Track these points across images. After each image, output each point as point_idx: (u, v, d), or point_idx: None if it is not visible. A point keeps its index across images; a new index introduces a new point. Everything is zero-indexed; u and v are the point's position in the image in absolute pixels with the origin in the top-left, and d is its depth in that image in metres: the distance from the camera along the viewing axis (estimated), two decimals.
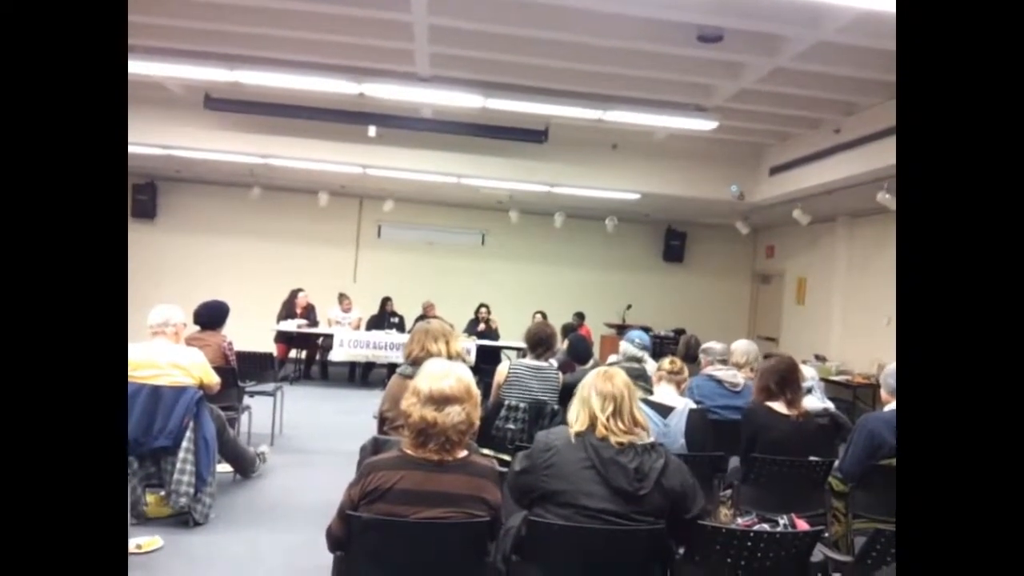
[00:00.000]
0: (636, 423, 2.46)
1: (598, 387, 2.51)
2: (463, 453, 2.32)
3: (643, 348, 4.58)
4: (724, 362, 4.59)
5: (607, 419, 2.43)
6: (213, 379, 4.27)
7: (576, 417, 2.50)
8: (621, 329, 10.04)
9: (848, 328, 9.71)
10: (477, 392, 2.38)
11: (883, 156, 6.31)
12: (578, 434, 2.44)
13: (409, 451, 2.29)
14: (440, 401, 2.25)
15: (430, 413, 2.23)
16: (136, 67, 6.04)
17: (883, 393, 3.62)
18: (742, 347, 4.75)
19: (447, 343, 3.67)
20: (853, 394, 8.49)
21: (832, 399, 4.90)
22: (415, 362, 3.51)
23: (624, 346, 4.61)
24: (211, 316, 5.24)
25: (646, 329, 10.73)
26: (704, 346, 4.79)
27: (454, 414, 2.24)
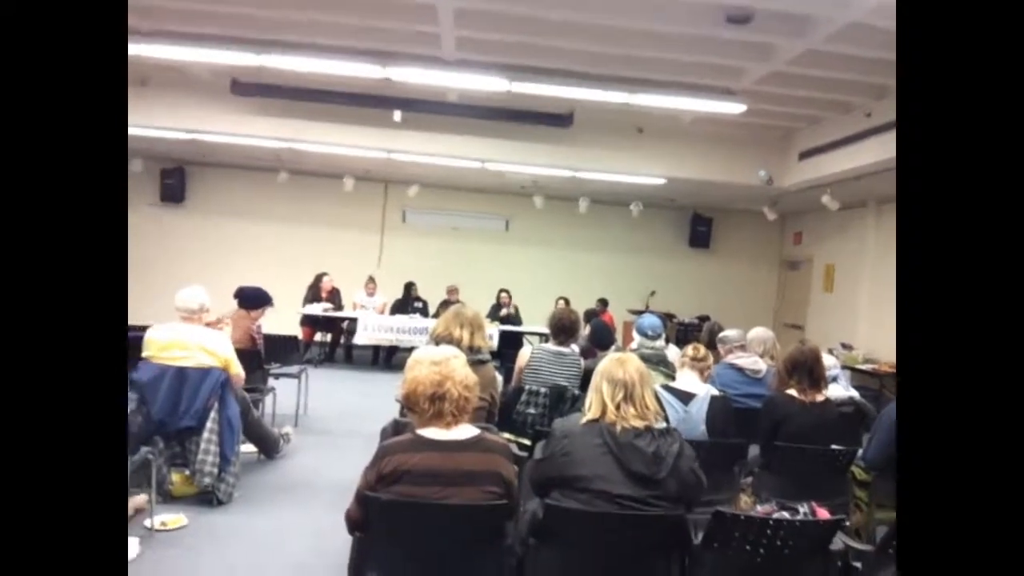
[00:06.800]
0: (648, 407, 2.44)
1: (609, 375, 2.49)
2: (476, 431, 2.36)
3: (655, 337, 4.38)
4: (743, 348, 4.53)
5: (616, 406, 2.41)
6: (238, 370, 4.27)
7: (589, 406, 2.50)
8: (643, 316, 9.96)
9: (876, 316, 9.54)
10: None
11: None
12: (590, 422, 2.44)
13: (422, 431, 2.32)
14: (441, 363, 2.39)
15: (436, 374, 2.34)
16: (162, 52, 6.10)
17: None
18: (759, 335, 4.69)
19: (471, 333, 3.63)
20: (880, 383, 8.36)
21: (858, 388, 4.84)
22: (438, 341, 3.51)
23: (638, 339, 4.44)
24: (251, 297, 5.41)
25: (669, 316, 10.68)
26: (720, 335, 4.73)
27: (458, 367, 2.40)
